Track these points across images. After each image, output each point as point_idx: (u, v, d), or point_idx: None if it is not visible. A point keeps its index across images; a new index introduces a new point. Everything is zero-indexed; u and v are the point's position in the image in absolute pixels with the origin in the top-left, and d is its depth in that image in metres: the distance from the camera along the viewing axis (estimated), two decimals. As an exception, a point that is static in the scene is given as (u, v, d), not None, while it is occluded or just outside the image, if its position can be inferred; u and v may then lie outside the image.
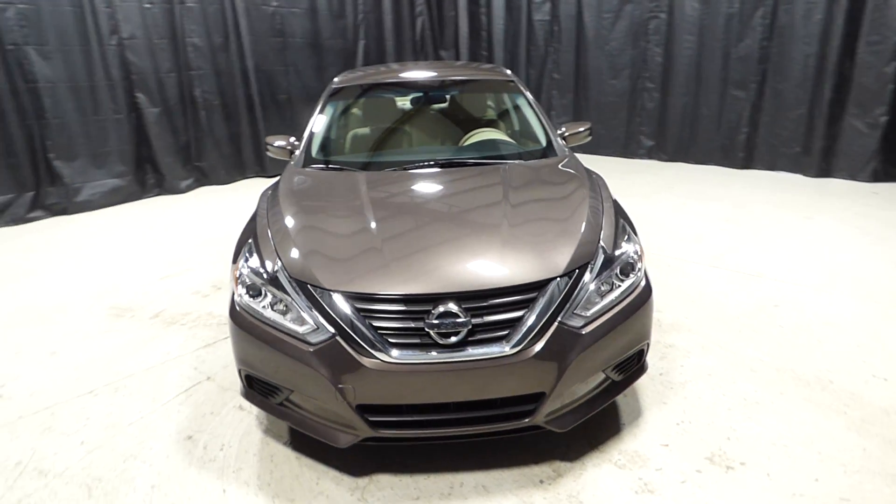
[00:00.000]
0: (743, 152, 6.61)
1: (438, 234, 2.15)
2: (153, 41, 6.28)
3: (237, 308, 2.06)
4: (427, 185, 2.62)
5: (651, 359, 2.69)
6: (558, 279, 1.93)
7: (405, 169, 2.74)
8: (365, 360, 1.82)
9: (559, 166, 2.79)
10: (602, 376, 2.04)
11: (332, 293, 1.90)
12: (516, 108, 3.44)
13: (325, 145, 3.09)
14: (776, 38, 6.13)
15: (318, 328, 1.88)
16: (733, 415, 2.33)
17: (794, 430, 2.23)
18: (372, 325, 1.86)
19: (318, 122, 3.17)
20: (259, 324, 1.97)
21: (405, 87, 3.54)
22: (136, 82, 6.23)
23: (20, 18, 5.43)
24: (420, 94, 3.49)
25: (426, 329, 1.82)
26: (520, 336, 1.85)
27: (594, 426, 2.26)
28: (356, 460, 2.11)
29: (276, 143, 3.15)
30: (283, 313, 1.96)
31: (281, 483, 2.04)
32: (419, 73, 3.60)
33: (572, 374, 1.90)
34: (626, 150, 7.62)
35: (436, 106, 3.53)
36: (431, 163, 2.77)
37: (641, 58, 7.16)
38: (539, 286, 1.92)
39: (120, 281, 3.97)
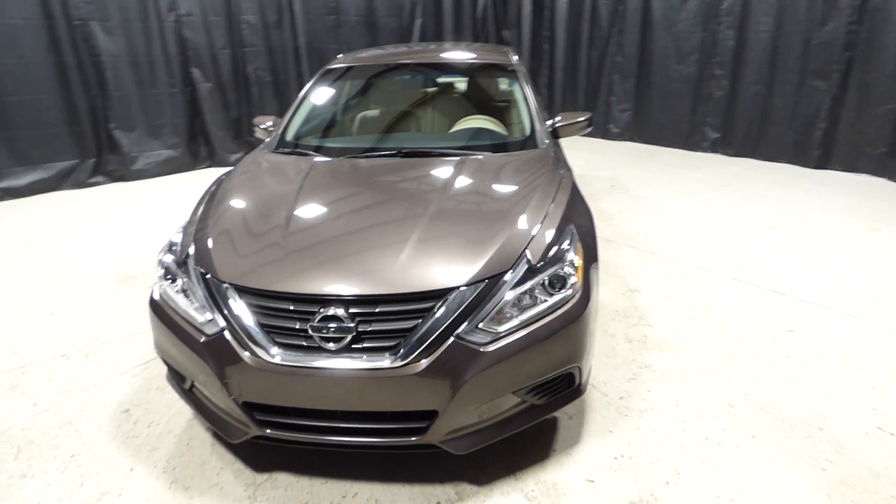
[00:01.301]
0: (818, 150, 5.85)
1: (347, 231, 2.02)
2: (209, 18, 6.51)
3: (155, 291, 2.06)
4: (371, 177, 2.49)
5: (617, 379, 2.46)
6: (461, 289, 1.76)
7: (367, 156, 2.62)
8: (247, 357, 1.75)
9: (525, 161, 2.56)
10: (516, 399, 1.85)
11: (224, 285, 1.84)
12: (510, 94, 3.20)
13: (300, 129, 3.02)
14: (867, 22, 5.32)
15: (213, 319, 1.84)
16: (684, 455, 2.05)
17: (751, 484, 1.92)
18: (260, 322, 1.79)
19: (300, 105, 3.11)
20: (168, 309, 1.96)
21: (397, 72, 3.39)
22: (192, 58, 6.50)
23: (87, -4, 5.80)
24: (411, 79, 3.33)
25: (310, 332, 1.72)
26: (408, 348, 1.70)
27: (519, 449, 2.08)
28: (263, 455, 2.07)
29: (263, 125, 3.14)
30: (190, 302, 1.93)
31: (185, 468, 2.04)
32: (415, 57, 3.44)
33: (469, 395, 1.73)
34: (689, 141, 7.00)
35: (426, 91, 3.36)
36: (393, 152, 2.64)
37: (711, 41, 6.50)
38: (437, 295, 1.75)
39: (140, 249, 4.18)
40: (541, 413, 1.94)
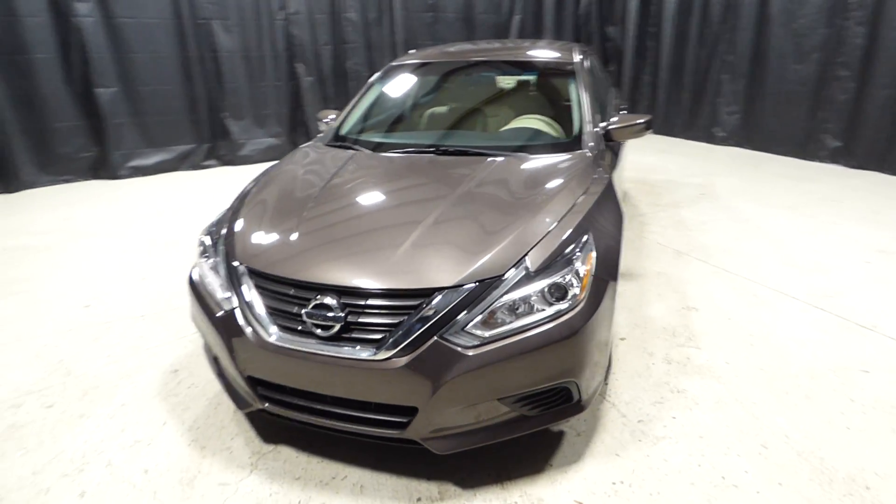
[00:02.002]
0: (963, 167, 5.02)
1: (356, 225, 2.08)
2: (314, 16, 6.93)
3: (194, 268, 2.27)
4: (399, 172, 2.53)
5: (642, 400, 2.33)
6: (448, 290, 1.75)
7: (405, 152, 2.68)
8: (250, 334, 1.88)
9: (559, 164, 2.46)
10: (502, 407, 1.81)
11: (240, 266, 1.99)
12: (565, 95, 3.08)
13: (354, 123, 3.14)
14: None
15: (229, 297, 1.99)
16: (692, 493, 1.89)
17: (761, 533, 1.73)
18: (265, 303, 1.91)
19: (359, 101, 3.23)
20: (200, 284, 2.15)
21: (454, 69, 3.40)
22: (297, 53, 6.96)
23: (211, -2, 6.42)
24: (466, 77, 3.32)
25: (304, 317, 1.81)
26: (391, 343, 1.73)
27: (514, 458, 2.03)
28: (273, 428, 2.21)
29: (325, 118, 3.31)
30: (217, 279, 2.10)
31: (207, 430, 2.24)
32: (476, 56, 3.42)
33: (449, 396, 1.72)
34: (804, 150, 6.31)
35: (480, 90, 3.33)
36: (432, 149, 2.67)
37: (836, 38, 5.79)
38: (425, 294, 1.76)
39: (225, 228, 4.59)
40: (532, 425, 1.88)
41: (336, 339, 1.79)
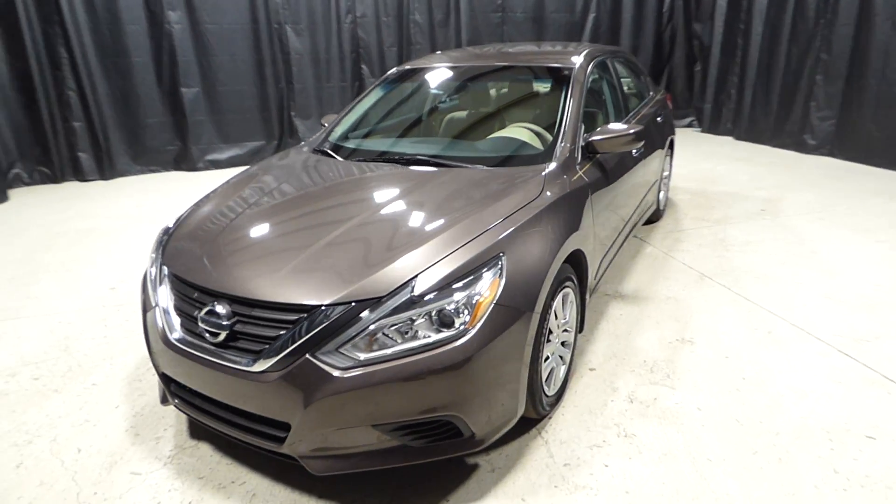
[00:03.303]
0: None
1: (269, 235, 2.07)
2: (381, 19, 7.08)
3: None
4: (342, 181, 2.48)
5: (579, 441, 2.14)
6: (323, 308, 1.70)
7: (365, 160, 2.65)
8: (160, 333, 1.96)
9: (510, 178, 2.29)
10: (380, 434, 1.73)
11: (164, 267, 2.08)
12: (553, 103, 2.86)
13: (344, 129, 3.13)
14: None
15: (156, 295, 2.09)
16: (586, 552, 1.69)
17: None
18: (175, 304, 1.97)
19: (353, 108, 3.24)
20: (145, 280, 2.28)
21: (446, 77, 3.28)
22: (363, 55, 7.16)
23: (285, 3, 6.77)
24: (457, 84, 3.20)
25: (199, 322, 1.85)
26: (266, 357, 1.71)
27: (413, 486, 1.94)
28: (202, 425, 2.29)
29: (326, 122, 3.36)
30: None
31: (148, 418, 2.35)
32: (476, 61, 3.28)
33: (319, 417, 1.68)
34: (911, 164, 5.40)
35: (469, 97, 3.20)
36: (395, 158, 2.61)
37: (956, 33, 4.87)
38: (303, 310, 1.72)
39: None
40: (418, 456, 1.78)
41: (224, 345, 1.81)
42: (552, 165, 2.39)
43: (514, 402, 1.91)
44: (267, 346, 1.74)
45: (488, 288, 1.78)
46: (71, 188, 6.33)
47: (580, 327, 2.58)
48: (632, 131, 2.57)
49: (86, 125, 6.43)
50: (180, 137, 6.89)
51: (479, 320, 1.73)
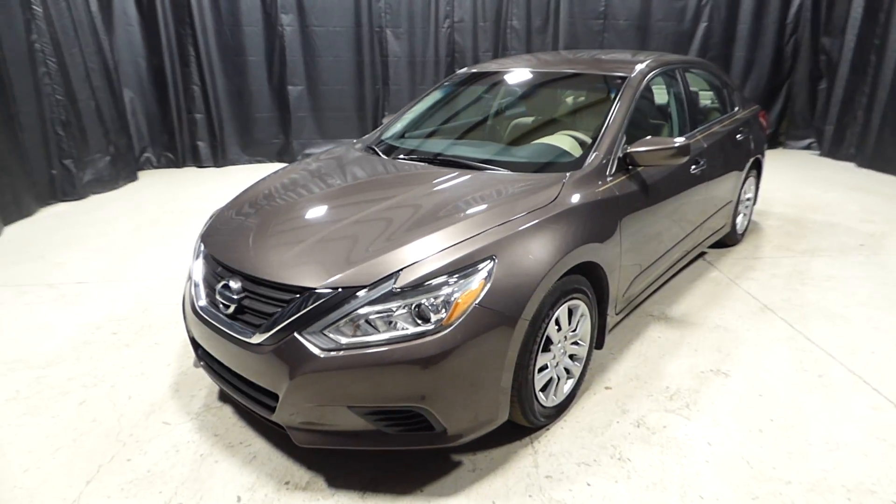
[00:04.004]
0: None
1: (290, 220, 2.24)
2: (478, 24, 7.21)
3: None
4: (375, 176, 2.60)
5: (569, 457, 2.13)
6: (315, 291, 1.83)
7: (404, 158, 2.77)
8: (190, 300, 2.21)
9: (528, 184, 2.28)
10: (356, 416, 1.83)
11: (201, 244, 2.33)
12: (600, 112, 2.78)
13: (396, 129, 3.27)
14: None
15: (193, 268, 2.35)
16: (540, 564, 1.67)
17: None
18: (203, 277, 2.21)
19: (408, 109, 3.38)
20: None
21: (505, 81, 3.29)
22: (457, 59, 7.32)
23: (387, 8, 7.12)
24: (510, 89, 3.20)
25: (216, 294, 2.06)
26: (263, 331, 1.88)
27: (394, 472, 2.03)
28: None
29: (385, 121, 3.53)
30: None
31: (190, 377, 2.64)
32: (533, 67, 3.26)
33: (301, 392, 1.82)
34: None
35: (527, 101, 3.18)
36: (430, 158, 2.70)
37: None
38: (297, 291, 1.86)
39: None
40: (393, 443, 1.88)
41: (234, 317, 2.01)
42: (576, 174, 2.36)
43: (493, 405, 1.93)
44: (265, 322, 1.91)
45: (471, 288, 1.82)
46: (189, 173, 7.11)
47: (599, 343, 2.51)
48: (674, 145, 2.46)
49: (205, 117, 7.19)
50: (284, 132, 7.48)
51: (456, 319, 1.78)
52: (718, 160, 3.40)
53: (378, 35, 7.23)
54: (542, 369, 2.14)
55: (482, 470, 2.05)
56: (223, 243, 2.24)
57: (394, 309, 1.79)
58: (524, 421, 2.13)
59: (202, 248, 2.32)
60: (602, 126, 2.60)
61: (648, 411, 2.34)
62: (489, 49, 7.31)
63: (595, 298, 2.38)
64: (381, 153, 2.92)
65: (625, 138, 2.60)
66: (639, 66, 2.94)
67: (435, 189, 2.33)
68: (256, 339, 1.90)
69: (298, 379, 1.80)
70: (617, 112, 2.66)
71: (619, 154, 2.53)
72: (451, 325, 1.77)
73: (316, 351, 1.79)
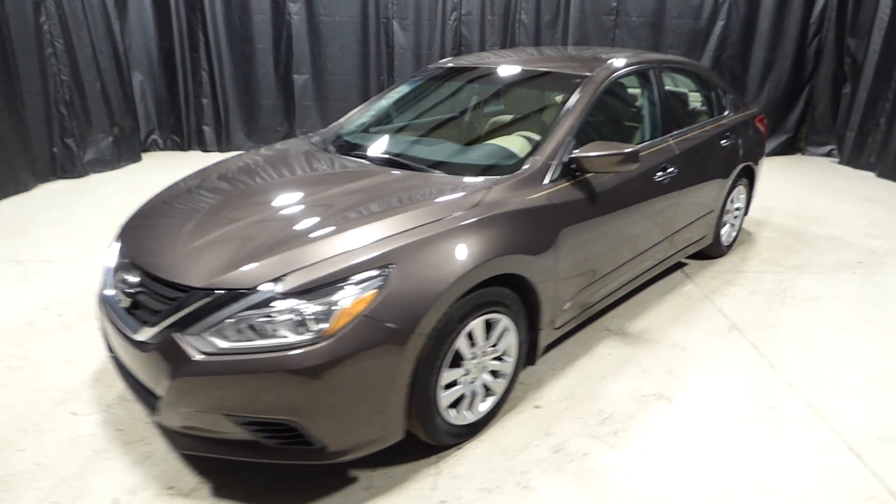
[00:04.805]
0: None
1: (195, 215, 2.14)
2: (486, 17, 7.02)
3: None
4: (298, 174, 2.49)
5: (472, 482, 1.99)
6: (197, 292, 1.74)
7: (340, 155, 2.65)
8: (100, 289, 2.15)
9: (450, 188, 2.14)
10: (232, 424, 1.73)
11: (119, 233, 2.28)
12: (553, 112, 2.61)
13: (352, 124, 3.15)
14: None
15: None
16: None
17: None
18: (115, 267, 2.14)
19: (371, 102, 3.26)
20: None
21: (467, 78, 3.13)
22: (463, 52, 7.14)
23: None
24: (467, 87, 3.06)
25: (116, 284, 2.00)
26: (148, 328, 1.80)
27: (285, 486, 1.93)
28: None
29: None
30: None
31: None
32: (499, 64, 3.09)
33: (178, 394, 1.73)
34: None
35: (486, 100, 3.03)
36: (366, 155, 2.59)
37: None
38: (181, 290, 1.78)
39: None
40: (269, 454, 1.78)
41: (129, 311, 1.94)
42: (507, 179, 2.21)
43: (383, 422, 1.81)
44: (151, 319, 1.83)
45: (358, 299, 1.70)
46: (194, 156, 7.14)
47: (530, 359, 2.37)
48: (622, 151, 2.28)
49: (212, 102, 7.21)
50: (288, 120, 7.45)
51: (339, 330, 1.67)
52: (695, 167, 3.18)
53: (385, 26, 7.11)
54: (451, 385, 2.01)
55: (377, 488, 1.93)
56: (134, 235, 2.18)
57: (275, 315, 1.69)
58: (429, 440, 2.00)
59: (118, 235, 2.27)
60: (549, 129, 2.44)
61: (572, 436, 2.19)
62: (496, 43, 7.12)
63: (525, 312, 2.23)
64: (330, 148, 2.80)
65: (574, 142, 2.43)
66: (601, 67, 2.75)
67: (355, 189, 2.20)
68: (141, 335, 1.82)
69: (176, 381, 1.72)
70: (566, 114, 2.48)
71: (565, 159, 2.37)
72: (332, 337, 1.66)
73: (193, 354, 1.70)
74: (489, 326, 2.09)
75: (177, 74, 7.07)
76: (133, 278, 1.94)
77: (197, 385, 1.71)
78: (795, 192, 5.59)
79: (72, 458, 2.05)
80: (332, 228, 1.89)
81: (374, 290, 1.72)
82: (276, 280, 1.72)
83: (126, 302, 1.94)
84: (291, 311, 1.68)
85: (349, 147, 2.78)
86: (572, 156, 2.35)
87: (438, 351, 1.88)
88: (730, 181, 3.58)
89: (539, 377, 2.55)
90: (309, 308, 1.68)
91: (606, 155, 2.29)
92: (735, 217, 3.93)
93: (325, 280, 1.72)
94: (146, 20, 6.87)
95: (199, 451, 1.83)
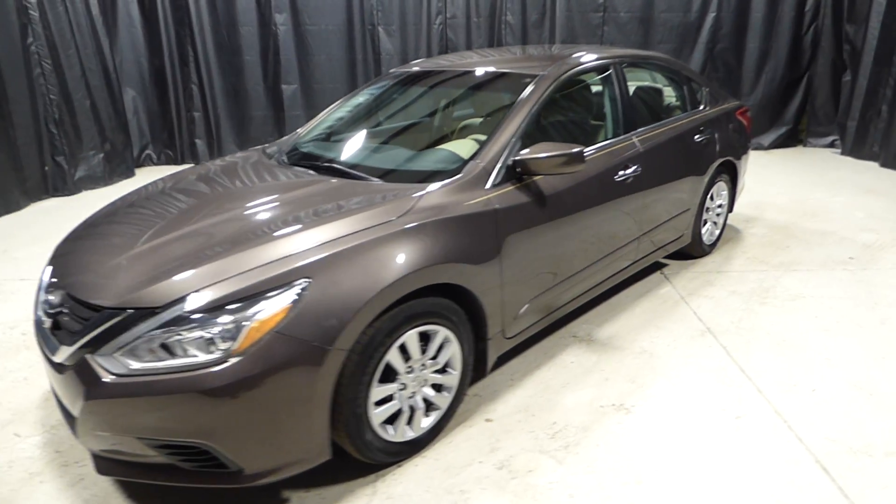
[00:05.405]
0: None
1: (122, 231, 2.10)
2: (472, 20, 6.95)
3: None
4: (242, 186, 2.42)
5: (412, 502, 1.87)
6: (108, 311, 1.69)
7: (291, 164, 2.59)
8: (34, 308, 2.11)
9: (383, 195, 2.07)
10: (149, 448, 1.67)
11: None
12: (500, 115, 2.51)
13: (306, 134, 3.08)
14: None
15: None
16: None
17: None
18: (45, 287, 2.10)
19: (330, 112, 3.20)
20: None
21: (419, 83, 3.06)
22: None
23: (378, 5, 6.96)
24: (426, 91, 2.98)
25: (42, 304, 1.96)
26: (65, 347, 1.75)
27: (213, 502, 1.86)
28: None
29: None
30: None
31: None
32: (454, 67, 3.02)
33: (92, 418, 1.68)
34: None
35: (442, 104, 2.95)
36: (313, 164, 2.52)
37: None
38: (94, 309, 1.73)
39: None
40: (186, 478, 1.72)
41: (52, 332, 1.89)
42: (443, 185, 2.13)
43: (305, 442, 1.74)
44: (68, 339, 1.78)
45: (271, 314, 1.63)
46: (185, 170, 7.18)
47: (480, 372, 2.28)
48: (566, 151, 2.18)
49: (203, 115, 7.24)
50: (278, 130, 7.44)
51: (249, 348, 1.60)
52: (663, 165, 3.06)
53: (370, 33, 7.08)
54: (385, 401, 1.93)
55: (305, 511, 1.86)
56: (63, 254, 2.14)
57: (184, 334, 1.62)
58: (363, 458, 1.92)
59: (51, 256, 2.23)
60: (492, 132, 2.35)
61: (521, 451, 2.09)
62: (483, 45, 7.04)
63: (471, 323, 2.15)
64: (282, 158, 2.74)
65: (520, 144, 2.34)
66: (553, 66, 2.66)
67: (286, 201, 2.14)
68: (58, 356, 1.78)
69: (88, 404, 1.66)
70: (510, 115, 2.39)
71: (509, 162, 2.27)
72: (241, 355, 1.59)
73: (104, 376, 1.64)
74: (427, 339, 2.01)
75: (168, 89, 7.11)
76: (55, 299, 1.90)
77: (108, 407, 1.65)
78: (792, 186, 5.40)
79: (6, 481, 2.01)
80: (251, 242, 1.83)
81: (288, 306, 1.65)
82: (185, 297, 1.66)
83: (48, 323, 1.89)
84: (201, 329, 1.62)
85: (300, 157, 2.72)
86: (516, 158, 2.25)
87: (366, 366, 1.80)
88: (706, 178, 3.45)
89: (495, 388, 2.46)
90: (217, 326, 1.61)
91: (550, 156, 2.20)
92: (718, 215, 3.79)
93: (235, 296, 1.65)
94: (136, 37, 6.93)
95: (118, 475, 1.79)
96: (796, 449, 2.07)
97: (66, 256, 2.11)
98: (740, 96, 6.96)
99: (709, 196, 3.58)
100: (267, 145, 3.14)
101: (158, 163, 7.39)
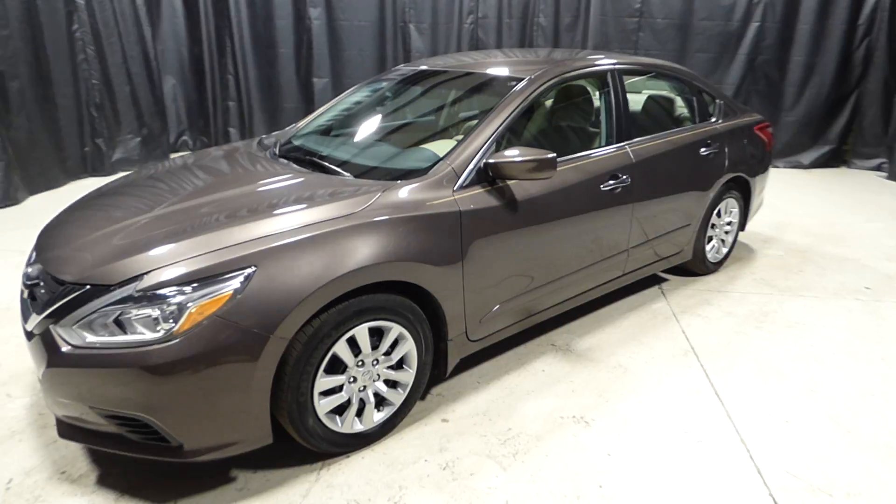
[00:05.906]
0: None
1: (102, 213, 2.19)
2: (503, 20, 6.93)
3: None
4: (218, 175, 2.49)
5: (344, 494, 1.96)
6: (69, 285, 1.79)
7: (282, 155, 2.64)
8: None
9: (347, 191, 2.09)
10: (99, 417, 1.76)
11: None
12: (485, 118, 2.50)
13: (301, 129, 3.13)
14: None
15: None
16: None
17: None
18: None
19: (328, 106, 3.26)
20: None
21: (411, 82, 3.06)
22: (480, 57, 7.09)
23: (411, 3, 7.02)
24: (417, 91, 2.99)
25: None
26: (35, 315, 1.86)
27: (162, 482, 1.94)
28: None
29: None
30: None
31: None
32: (452, 67, 3.01)
33: (51, 385, 1.79)
34: None
35: (432, 104, 2.95)
36: (304, 156, 2.58)
37: None
38: (60, 282, 1.83)
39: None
40: (132, 448, 1.81)
41: (28, 302, 2.01)
42: (406, 183, 2.14)
43: (245, 425, 1.79)
44: (38, 309, 1.89)
45: (211, 299, 1.69)
46: (219, 156, 7.43)
47: (441, 371, 2.29)
48: (538, 157, 2.16)
49: (237, 105, 7.48)
50: (309, 122, 7.62)
51: (189, 330, 1.66)
52: (659, 177, 2.98)
53: (402, 30, 7.15)
54: (333, 392, 1.96)
55: (249, 490, 1.91)
56: (49, 230, 2.26)
57: (132, 311, 1.70)
58: (309, 446, 1.97)
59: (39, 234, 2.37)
60: (468, 134, 2.35)
61: (469, 453, 2.09)
62: (513, 46, 7.01)
63: (430, 322, 2.16)
64: (271, 150, 2.80)
65: (495, 147, 2.33)
66: (541, 71, 2.62)
67: (254, 191, 2.20)
68: (29, 325, 1.89)
69: (49, 371, 1.77)
70: (487, 118, 2.38)
71: (481, 165, 2.27)
72: (181, 336, 1.66)
73: (62, 345, 1.74)
74: (381, 334, 2.03)
75: (205, 78, 7.37)
76: (31, 271, 2.02)
77: (65, 376, 1.75)
78: (823, 208, 5.16)
79: (-12, 438, 2.15)
80: (211, 228, 1.89)
81: (230, 292, 1.71)
82: (137, 277, 1.74)
83: (26, 293, 2.01)
84: (149, 307, 1.69)
85: (289, 149, 2.78)
86: (488, 161, 2.25)
87: (310, 356, 1.84)
88: (711, 193, 3.33)
89: (460, 389, 2.46)
90: (162, 306, 1.68)
91: (522, 160, 2.18)
92: (726, 232, 3.67)
93: (182, 279, 1.71)
94: (178, 27, 7.21)
95: (75, 440, 1.88)
96: (752, 481, 1.99)
97: (52, 228, 2.24)
98: (780, 111, 6.69)
99: (715, 212, 3.46)
100: (265, 136, 3.23)
101: (194, 148, 7.67)
